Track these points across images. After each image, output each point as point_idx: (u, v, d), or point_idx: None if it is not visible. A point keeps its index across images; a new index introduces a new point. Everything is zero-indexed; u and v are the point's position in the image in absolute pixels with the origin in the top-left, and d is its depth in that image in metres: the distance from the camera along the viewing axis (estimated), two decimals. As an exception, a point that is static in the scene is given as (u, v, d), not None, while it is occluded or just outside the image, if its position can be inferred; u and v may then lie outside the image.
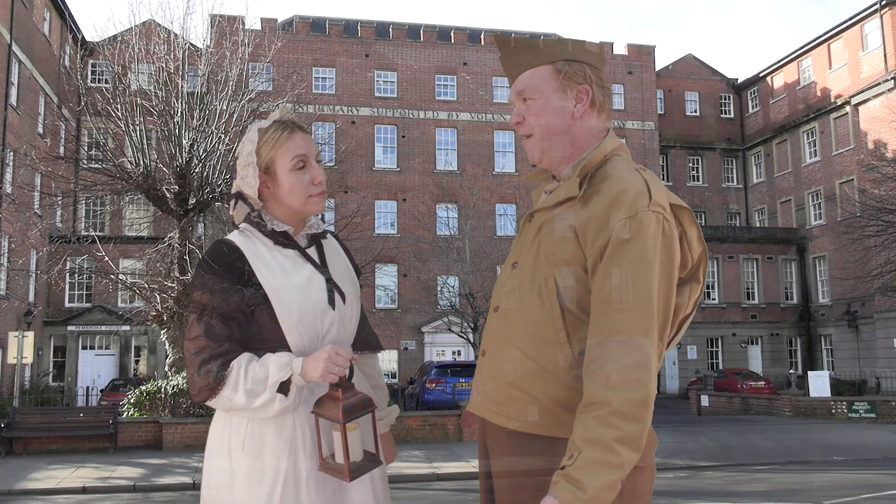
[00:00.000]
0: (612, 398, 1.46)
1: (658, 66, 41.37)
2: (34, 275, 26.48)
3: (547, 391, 1.61)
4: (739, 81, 44.75)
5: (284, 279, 1.84)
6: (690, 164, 43.34)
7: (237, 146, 2.04)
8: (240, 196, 1.94)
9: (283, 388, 1.74)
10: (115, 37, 19.01)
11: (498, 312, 1.74)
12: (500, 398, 1.67)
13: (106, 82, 22.72)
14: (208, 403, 1.78)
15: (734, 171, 44.01)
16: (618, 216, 1.56)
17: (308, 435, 1.81)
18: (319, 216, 2.04)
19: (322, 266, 1.94)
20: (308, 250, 1.95)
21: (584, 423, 1.48)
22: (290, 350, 1.82)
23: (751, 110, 43.90)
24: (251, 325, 1.82)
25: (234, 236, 1.90)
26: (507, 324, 1.70)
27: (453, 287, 31.35)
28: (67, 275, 26.77)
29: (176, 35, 17.99)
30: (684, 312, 1.73)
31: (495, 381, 1.69)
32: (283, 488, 1.77)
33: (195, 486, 11.31)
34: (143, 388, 16.73)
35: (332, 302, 1.89)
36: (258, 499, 1.76)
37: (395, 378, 33.35)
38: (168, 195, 16.82)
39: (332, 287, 1.91)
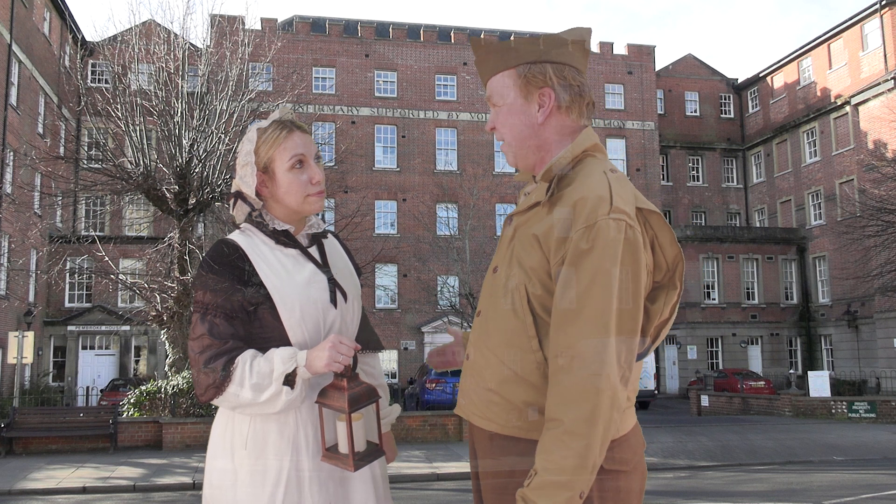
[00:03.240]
0: (564, 416, 1.48)
1: (658, 66, 41.36)
2: (34, 275, 26.48)
3: (523, 397, 1.61)
4: (739, 81, 44.75)
5: (286, 278, 1.85)
6: (690, 164, 43.34)
7: (237, 146, 2.05)
8: (239, 195, 1.95)
9: (289, 380, 1.75)
10: (115, 37, 19.00)
11: (479, 317, 1.74)
12: (480, 402, 1.68)
13: (106, 82, 22.73)
14: (215, 402, 1.77)
15: (734, 171, 44.01)
16: (577, 225, 1.54)
17: (311, 434, 1.82)
18: (319, 216, 2.04)
19: (324, 265, 1.95)
20: (309, 249, 1.96)
21: (542, 442, 1.50)
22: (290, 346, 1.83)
23: (751, 110, 43.89)
24: (254, 324, 1.83)
25: (235, 236, 1.91)
26: (485, 329, 1.70)
27: (453, 287, 31.38)
28: (67, 275, 26.77)
29: (176, 35, 17.98)
30: (661, 318, 1.68)
31: (476, 385, 1.70)
32: (285, 487, 1.77)
33: (195, 486, 11.30)
34: (143, 388, 16.72)
35: (333, 300, 1.90)
36: (261, 498, 1.77)
37: (395, 378, 33.36)
38: (168, 195, 16.82)
39: (333, 285, 1.92)
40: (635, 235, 1.55)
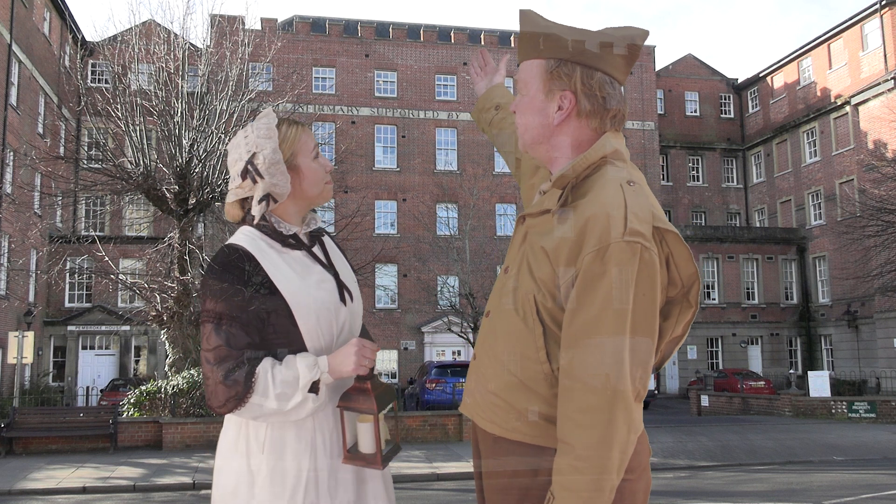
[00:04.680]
0: (575, 442, 1.45)
1: (658, 66, 41.37)
2: (34, 275, 26.49)
3: (528, 404, 1.59)
4: (739, 81, 44.75)
5: (299, 282, 1.83)
6: (690, 164, 43.34)
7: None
8: (269, 197, 1.88)
9: (314, 387, 1.76)
10: (115, 37, 19.01)
11: (488, 318, 1.71)
12: (485, 404, 1.66)
13: (106, 82, 22.74)
14: (235, 413, 1.74)
15: (734, 171, 44.01)
16: (588, 247, 1.47)
17: (326, 435, 1.82)
18: (316, 211, 2.05)
19: (329, 265, 1.94)
20: (313, 249, 1.95)
21: (558, 465, 1.47)
22: (306, 350, 1.82)
23: (751, 110, 43.89)
24: (267, 330, 1.80)
25: (240, 241, 1.85)
26: (492, 332, 1.67)
27: (453, 287, 31.37)
28: (67, 275, 26.77)
29: (176, 35, 17.99)
30: (672, 335, 1.64)
31: (481, 387, 1.68)
32: (304, 489, 1.77)
33: (195, 486, 11.31)
34: (143, 388, 16.72)
35: (343, 300, 1.90)
36: (281, 501, 1.76)
37: (395, 378, 33.37)
38: (168, 195, 16.82)
39: (341, 285, 1.92)
40: (651, 257, 1.48)
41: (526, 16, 1.67)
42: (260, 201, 1.88)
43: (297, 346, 1.81)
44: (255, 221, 1.90)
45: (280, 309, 1.79)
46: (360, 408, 1.77)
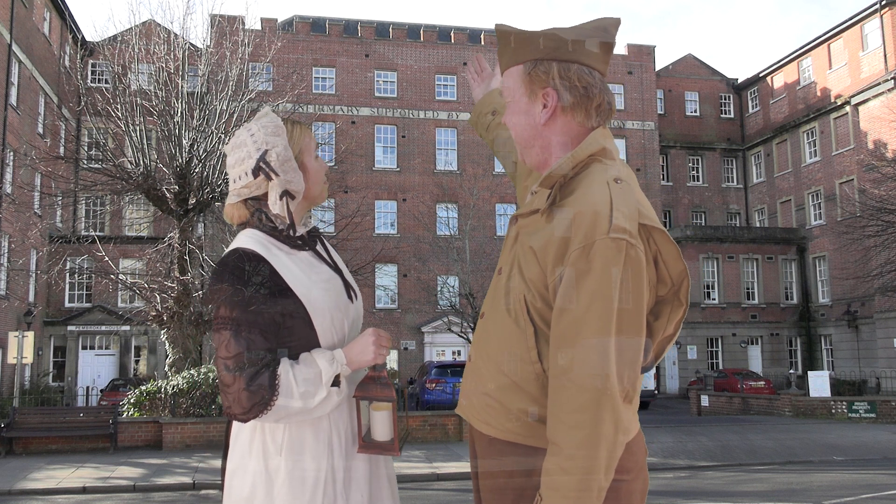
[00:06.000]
0: (563, 442, 1.45)
1: (658, 66, 41.37)
2: (34, 275, 26.50)
3: (521, 405, 1.59)
4: (739, 81, 44.75)
5: (311, 284, 1.82)
6: (690, 164, 43.34)
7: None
8: (287, 194, 1.87)
9: (335, 381, 1.77)
10: (115, 37, 19.03)
11: (483, 319, 1.72)
12: (480, 405, 1.66)
13: (106, 82, 22.74)
14: (260, 418, 1.72)
15: (734, 171, 44.01)
16: (574, 244, 1.48)
17: (342, 432, 1.83)
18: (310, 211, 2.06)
19: (333, 264, 1.94)
20: (316, 249, 1.94)
21: (547, 466, 1.47)
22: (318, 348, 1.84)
23: (751, 110, 43.89)
24: (281, 332, 1.78)
25: (249, 244, 1.82)
26: (486, 333, 1.68)
27: (453, 287, 31.40)
28: (67, 275, 26.78)
29: (176, 35, 18.00)
30: (664, 334, 1.64)
31: (476, 388, 1.68)
32: (323, 490, 1.77)
33: (195, 486, 11.31)
34: (143, 388, 16.71)
35: (350, 297, 1.91)
36: (300, 503, 1.75)
37: (395, 378, 33.37)
38: (168, 195, 16.83)
39: (346, 284, 1.93)
40: (637, 254, 1.48)
41: (500, 29, 1.71)
42: (280, 198, 1.85)
43: (310, 346, 1.80)
44: (284, 218, 1.87)
45: (296, 311, 1.78)
46: (378, 395, 1.80)
